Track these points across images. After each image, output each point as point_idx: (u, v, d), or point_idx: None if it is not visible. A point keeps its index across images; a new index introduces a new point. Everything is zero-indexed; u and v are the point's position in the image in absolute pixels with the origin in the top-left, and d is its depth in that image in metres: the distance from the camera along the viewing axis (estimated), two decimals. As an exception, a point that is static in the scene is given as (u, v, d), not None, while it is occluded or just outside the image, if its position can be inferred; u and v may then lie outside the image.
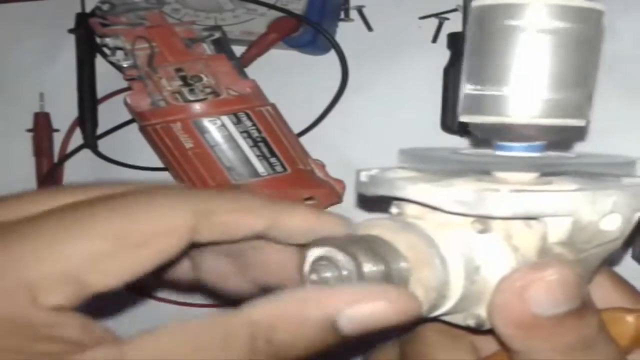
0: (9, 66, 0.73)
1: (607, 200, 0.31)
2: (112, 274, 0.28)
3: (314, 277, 0.31)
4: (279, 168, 0.62)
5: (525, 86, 0.32)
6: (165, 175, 0.66)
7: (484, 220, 0.31)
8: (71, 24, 0.69)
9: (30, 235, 0.28)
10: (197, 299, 0.67)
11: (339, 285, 0.30)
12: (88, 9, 0.68)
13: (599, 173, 0.34)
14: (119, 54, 0.64)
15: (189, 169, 0.62)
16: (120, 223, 0.28)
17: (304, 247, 0.33)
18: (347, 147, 0.66)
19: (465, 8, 0.62)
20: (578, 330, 0.31)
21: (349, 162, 0.66)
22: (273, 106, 0.64)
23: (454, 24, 0.63)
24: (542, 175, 0.33)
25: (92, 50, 0.69)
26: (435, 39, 0.65)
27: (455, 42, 0.62)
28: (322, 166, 0.65)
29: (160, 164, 0.66)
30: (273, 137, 0.62)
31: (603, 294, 0.35)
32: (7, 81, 0.73)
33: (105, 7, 0.63)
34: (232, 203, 0.31)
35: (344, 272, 0.30)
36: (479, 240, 0.32)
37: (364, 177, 0.35)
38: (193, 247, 0.31)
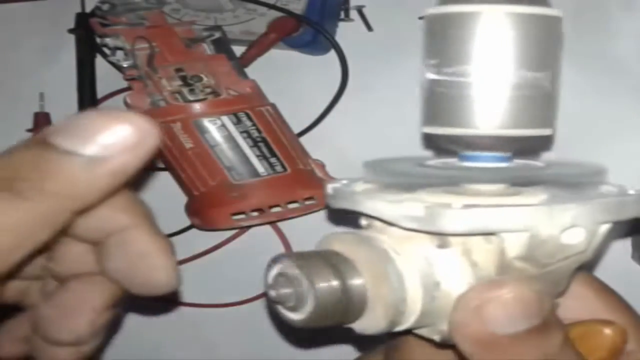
0: (9, 66, 0.73)
1: (566, 214, 0.30)
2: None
3: (272, 293, 0.32)
4: (279, 168, 0.62)
5: (487, 97, 0.31)
6: (165, 175, 0.66)
7: (442, 235, 0.31)
8: (71, 24, 0.69)
9: None
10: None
11: (297, 303, 0.31)
12: (88, 9, 0.68)
13: (569, 182, 0.33)
14: (119, 54, 0.64)
15: (189, 169, 0.62)
16: None
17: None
18: (347, 147, 0.66)
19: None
20: (539, 348, 0.31)
21: (349, 162, 0.66)
22: (273, 106, 0.64)
23: (454, 24, 0.63)
24: (512, 185, 0.33)
25: (92, 50, 0.69)
26: (435, 39, 0.65)
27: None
28: (322, 166, 0.65)
29: (160, 164, 0.66)
30: (273, 137, 0.62)
31: (585, 304, 0.35)
32: (7, 81, 0.73)
33: (105, 7, 0.63)
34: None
35: (299, 289, 0.31)
36: (438, 255, 0.31)
37: (329, 189, 0.35)
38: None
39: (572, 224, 0.30)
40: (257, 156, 0.61)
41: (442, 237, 0.31)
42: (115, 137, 0.28)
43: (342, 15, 0.67)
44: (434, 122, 0.33)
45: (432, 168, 0.33)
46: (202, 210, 0.63)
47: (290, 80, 0.67)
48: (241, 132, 0.61)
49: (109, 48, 0.64)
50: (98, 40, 0.67)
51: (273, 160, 0.62)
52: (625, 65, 0.60)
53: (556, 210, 0.30)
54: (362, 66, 0.65)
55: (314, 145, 0.66)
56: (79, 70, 0.69)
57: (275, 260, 0.32)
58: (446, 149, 0.34)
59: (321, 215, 0.65)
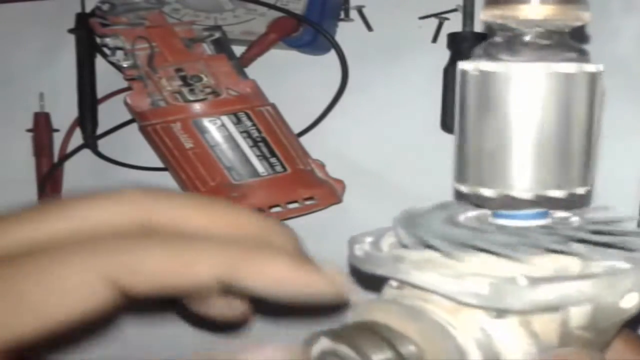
0: (9, 66, 0.73)
1: (626, 282, 0.30)
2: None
3: None
4: (279, 168, 0.62)
5: (525, 158, 0.30)
6: (165, 175, 0.66)
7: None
8: (71, 24, 0.69)
9: None
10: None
11: None
12: (88, 9, 0.68)
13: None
14: (119, 54, 0.64)
15: (189, 169, 0.62)
16: (20, 285, 0.26)
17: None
18: (347, 147, 0.66)
19: (465, 8, 0.62)
20: None
21: (349, 162, 0.66)
22: (273, 106, 0.64)
23: (454, 24, 0.63)
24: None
25: (92, 50, 0.69)
26: (435, 39, 0.65)
27: (455, 42, 0.62)
28: (322, 166, 0.65)
29: (160, 164, 0.66)
30: (273, 137, 0.62)
31: (616, 356, 0.35)
32: (7, 81, 0.73)
33: (105, 7, 0.63)
34: (167, 250, 0.27)
35: None
36: (495, 326, 0.30)
37: (358, 251, 0.32)
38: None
39: (630, 289, 0.30)
40: (257, 156, 0.61)
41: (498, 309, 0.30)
42: None
43: (342, 15, 0.67)
44: (467, 180, 0.32)
45: (469, 231, 0.32)
46: (202, 210, 0.63)
47: (290, 80, 0.67)
48: (241, 132, 0.61)
49: (109, 48, 0.64)
50: (98, 40, 0.67)
51: (273, 160, 0.62)
52: (625, 65, 0.60)
53: (618, 279, 0.30)
54: (362, 66, 0.65)
55: (314, 145, 0.66)
56: (79, 70, 0.69)
57: (313, 338, 0.30)
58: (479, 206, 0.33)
59: (321, 215, 0.65)
